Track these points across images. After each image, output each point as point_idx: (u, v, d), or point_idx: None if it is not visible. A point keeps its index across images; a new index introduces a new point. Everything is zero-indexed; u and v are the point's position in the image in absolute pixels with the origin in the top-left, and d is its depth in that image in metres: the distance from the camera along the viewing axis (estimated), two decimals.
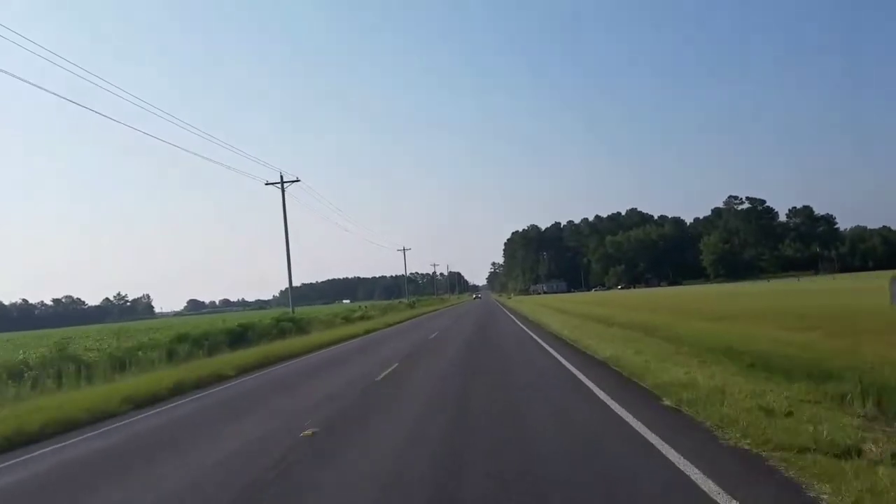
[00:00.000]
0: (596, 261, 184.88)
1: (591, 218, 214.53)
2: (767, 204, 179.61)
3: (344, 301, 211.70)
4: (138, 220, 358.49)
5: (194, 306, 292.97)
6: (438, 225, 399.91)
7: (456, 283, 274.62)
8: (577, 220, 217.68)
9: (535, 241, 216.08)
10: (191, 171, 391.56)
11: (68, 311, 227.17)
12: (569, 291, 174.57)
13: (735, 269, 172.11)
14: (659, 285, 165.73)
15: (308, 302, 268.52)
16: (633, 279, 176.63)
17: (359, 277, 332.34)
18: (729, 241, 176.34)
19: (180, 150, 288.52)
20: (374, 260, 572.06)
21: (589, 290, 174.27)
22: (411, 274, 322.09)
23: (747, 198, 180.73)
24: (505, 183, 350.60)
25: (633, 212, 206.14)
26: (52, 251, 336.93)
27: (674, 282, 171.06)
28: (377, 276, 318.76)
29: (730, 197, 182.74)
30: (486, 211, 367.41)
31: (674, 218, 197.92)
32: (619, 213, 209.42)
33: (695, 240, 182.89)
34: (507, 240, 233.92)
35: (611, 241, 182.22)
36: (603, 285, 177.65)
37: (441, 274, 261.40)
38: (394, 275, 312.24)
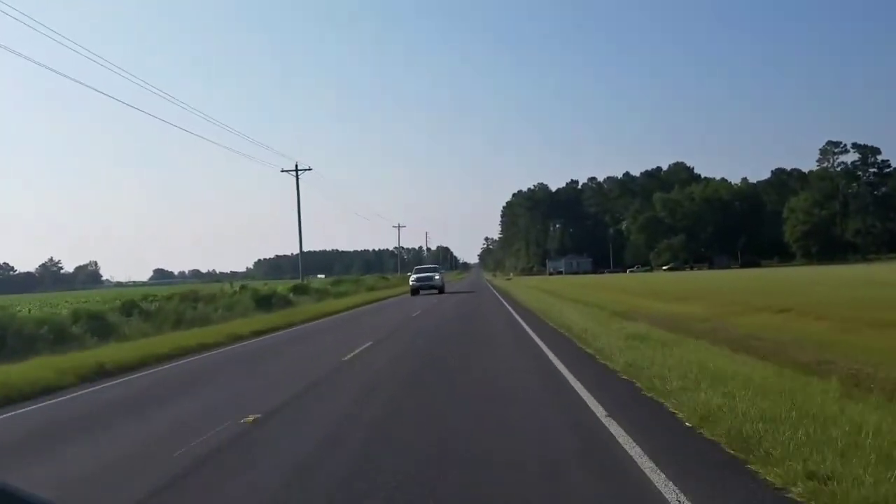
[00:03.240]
0: (637, 230, 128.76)
1: (619, 175, 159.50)
2: (883, 156, 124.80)
3: (319, 276, 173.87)
4: (92, 180, 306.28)
5: (161, 276, 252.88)
6: (425, 192, 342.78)
7: (442, 258, 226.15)
8: (600, 178, 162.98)
9: (545, 205, 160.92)
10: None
11: None
12: (595, 272, 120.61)
13: (830, 246, 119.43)
14: (728, 267, 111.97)
15: (278, 275, 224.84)
16: (690, 257, 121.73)
17: (337, 250, 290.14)
18: (826, 206, 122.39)
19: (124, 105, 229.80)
20: (357, 233, 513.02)
21: (624, 270, 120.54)
22: (394, 248, 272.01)
23: (854, 144, 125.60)
24: (505, 135, 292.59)
25: (679, 166, 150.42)
26: None
27: (748, 262, 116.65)
28: (358, 249, 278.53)
29: (828, 143, 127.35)
30: (481, 177, 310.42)
31: (721, 179, 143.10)
32: (659, 169, 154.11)
33: (761, 206, 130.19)
34: (507, 203, 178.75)
35: (661, 201, 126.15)
36: (646, 264, 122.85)
37: (427, 249, 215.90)
38: (375, 248, 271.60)
